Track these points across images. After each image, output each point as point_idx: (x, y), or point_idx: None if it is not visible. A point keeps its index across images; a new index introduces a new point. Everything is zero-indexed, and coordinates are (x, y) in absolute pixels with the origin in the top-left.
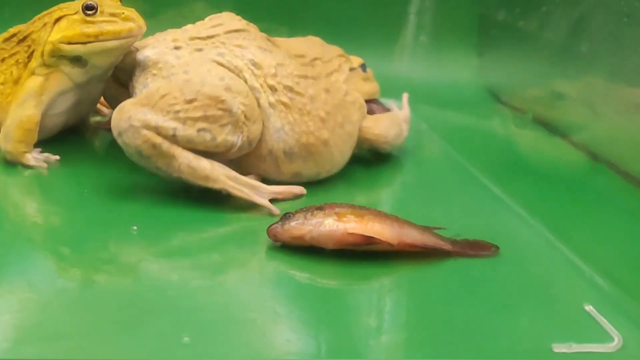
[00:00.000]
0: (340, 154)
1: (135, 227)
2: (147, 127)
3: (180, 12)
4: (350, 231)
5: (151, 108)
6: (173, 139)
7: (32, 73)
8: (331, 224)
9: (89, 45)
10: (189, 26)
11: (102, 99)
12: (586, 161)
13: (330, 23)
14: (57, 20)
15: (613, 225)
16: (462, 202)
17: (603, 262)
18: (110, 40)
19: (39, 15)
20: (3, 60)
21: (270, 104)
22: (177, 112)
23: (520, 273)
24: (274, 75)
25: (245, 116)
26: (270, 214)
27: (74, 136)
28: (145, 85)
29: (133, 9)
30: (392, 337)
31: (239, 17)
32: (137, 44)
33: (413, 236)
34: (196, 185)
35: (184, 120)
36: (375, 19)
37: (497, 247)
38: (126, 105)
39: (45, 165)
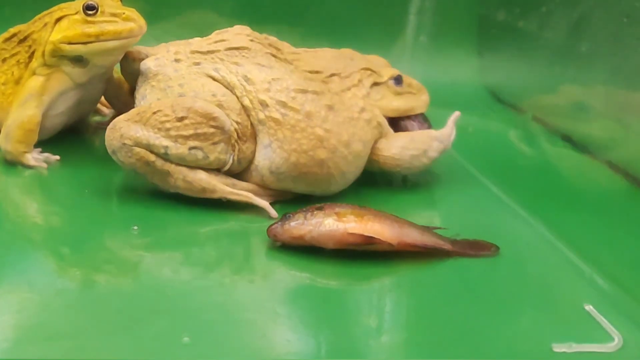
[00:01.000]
0: (342, 175)
1: (135, 227)
2: (139, 144)
3: (180, 13)
4: (350, 231)
5: (143, 125)
6: (165, 157)
7: (33, 73)
8: (331, 224)
9: (89, 45)
10: (195, 39)
11: (102, 98)
12: (586, 161)
13: (331, 23)
14: (58, 20)
15: (613, 225)
16: (462, 202)
17: (603, 262)
18: (111, 40)
19: (39, 15)
20: (4, 60)
21: (260, 121)
22: (168, 129)
23: (520, 273)
24: (267, 90)
25: (237, 135)
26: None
27: (74, 136)
28: (144, 97)
29: (134, 9)
30: (392, 337)
31: (247, 32)
32: (145, 51)
33: (413, 236)
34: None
35: (175, 138)
36: (375, 19)
37: (497, 247)
38: (118, 122)
39: (45, 165)
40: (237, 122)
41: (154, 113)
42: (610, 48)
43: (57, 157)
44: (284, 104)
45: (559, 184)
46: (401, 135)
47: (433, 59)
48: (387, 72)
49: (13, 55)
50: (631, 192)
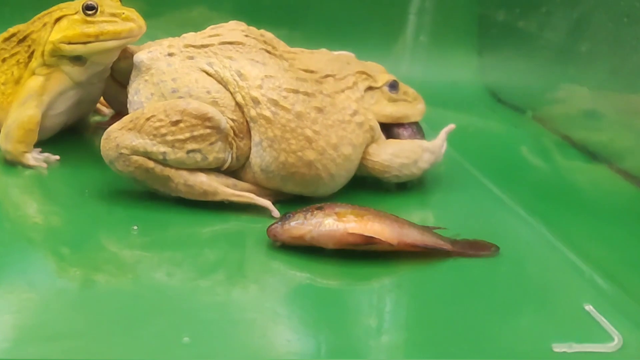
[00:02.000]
0: (331, 178)
1: (135, 227)
2: (137, 153)
3: (180, 12)
4: (350, 231)
5: (137, 132)
6: (164, 162)
7: (33, 73)
8: (331, 224)
9: (89, 45)
10: (190, 34)
11: (102, 98)
12: (587, 161)
13: (331, 23)
14: (58, 20)
15: (613, 225)
16: (462, 202)
17: (603, 262)
18: (110, 40)
19: (39, 15)
20: (4, 60)
21: (252, 118)
22: (164, 135)
23: (520, 273)
24: (259, 87)
25: (234, 132)
26: (271, 215)
27: (74, 136)
28: (137, 91)
29: (133, 9)
30: (392, 337)
31: (243, 27)
32: (135, 47)
33: (413, 236)
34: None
35: (171, 143)
36: (375, 19)
37: (497, 247)
38: (112, 132)
39: (45, 165)
40: (233, 120)
41: (148, 119)
42: (610, 48)
43: (57, 157)
44: (275, 102)
45: (559, 184)
46: (393, 142)
47: (433, 59)
48: (383, 77)
49: (13, 55)
50: (631, 192)
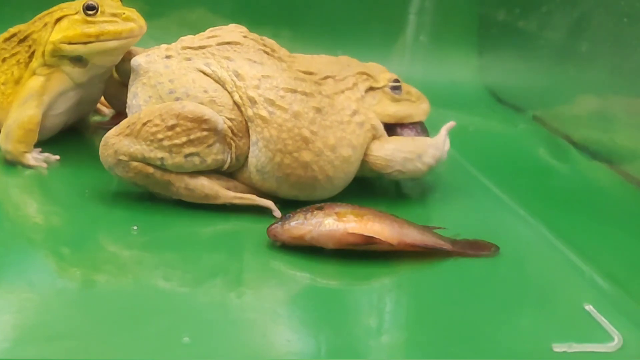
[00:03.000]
0: (328, 180)
1: (135, 227)
2: (135, 159)
3: (180, 13)
4: (350, 231)
5: (135, 138)
6: (162, 167)
7: (33, 73)
8: (331, 224)
9: (89, 45)
10: (188, 36)
11: (102, 98)
12: (587, 160)
13: (331, 23)
14: (58, 20)
15: (613, 225)
16: (462, 202)
17: (603, 262)
18: (111, 40)
19: (39, 15)
20: (4, 60)
21: (249, 117)
22: (161, 140)
23: (520, 273)
24: (256, 87)
25: (232, 131)
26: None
27: (74, 136)
28: (135, 95)
29: (134, 9)
30: (392, 337)
31: (241, 30)
32: (140, 49)
33: (413, 236)
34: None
35: (169, 148)
36: (375, 19)
37: (497, 247)
38: (109, 138)
39: (45, 165)
40: (231, 119)
41: (144, 124)
42: (610, 48)
43: (57, 157)
44: (272, 102)
45: (559, 184)
46: (395, 137)
47: (433, 59)
48: (384, 77)
49: (13, 55)
50: (631, 192)
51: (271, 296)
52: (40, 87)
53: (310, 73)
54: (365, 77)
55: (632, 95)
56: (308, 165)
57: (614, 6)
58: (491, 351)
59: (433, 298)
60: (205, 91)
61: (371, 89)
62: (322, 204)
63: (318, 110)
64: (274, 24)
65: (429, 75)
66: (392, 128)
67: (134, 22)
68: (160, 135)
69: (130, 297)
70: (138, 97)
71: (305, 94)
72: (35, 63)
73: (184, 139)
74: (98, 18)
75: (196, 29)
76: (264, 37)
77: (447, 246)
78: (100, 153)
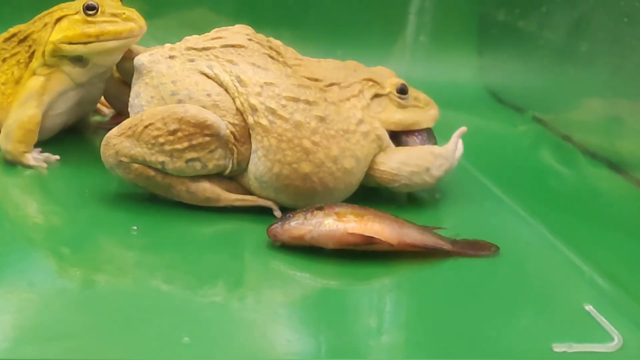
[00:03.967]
0: (327, 191)
1: (135, 227)
2: (136, 161)
3: (181, 13)
4: (350, 231)
5: (136, 140)
6: (163, 171)
7: (34, 73)
8: (331, 224)
9: (89, 45)
10: (193, 37)
11: (102, 98)
12: (587, 160)
13: (331, 23)
14: (58, 20)
15: (613, 225)
16: (462, 202)
17: (603, 262)
18: (111, 40)
19: (39, 15)
20: (4, 60)
21: (250, 125)
22: (162, 144)
23: (520, 273)
24: (258, 94)
25: (235, 137)
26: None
27: (74, 136)
28: (138, 95)
29: (134, 9)
30: (392, 337)
31: (247, 31)
32: (141, 48)
33: (413, 236)
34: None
35: (170, 153)
36: (375, 19)
37: (497, 247)
38: (111, 138)
39: (45, 165)
40: (234, 124)
41: (146, 127)
42: (610, 48)
43: (57, 157)
44: (273, 111)
45: (559, 184)
46: (402, 149)
47: (433, 59)
48: (391, 83)
49: (13, 55)
50: (631, 192)
51: (271, 296)
52: (41, 87)
53: (315, 79)
54: (371, 83)
55: (632, 96)
56: (307, 177)
57: (614, 6)
58: (491, 351)
59: (433, 298)
60: (209, 95)
61: (377, 95)
62: (322, 204)
63: (322, 119)
64: (274, 24)
65: (429, 75)
66: (398, 135)
67: (134, 22)
68: (161, 140)
69: (130, 298)
70: (140, 97)
71: (308, 102)
72: (35, 63)
73: (185, 144)
74: (98, 18)
75: (196, 29)
76: (270, 39)
77: (447, 246)
78: (101, 153)
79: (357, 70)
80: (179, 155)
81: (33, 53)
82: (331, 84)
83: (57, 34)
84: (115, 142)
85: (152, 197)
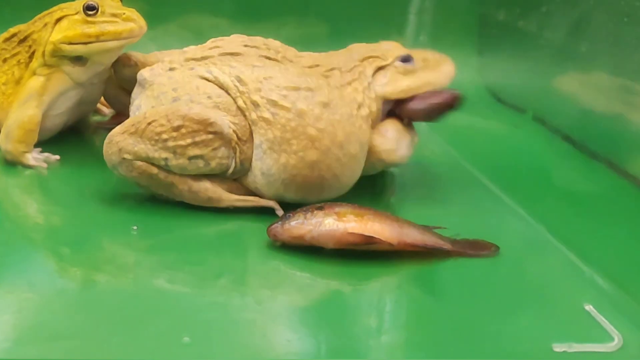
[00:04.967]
0: (336, 179)
1: (135, 227)
2: (139, 158)
3: (180, 12)
4: (350, 231)
5: (139, 137)
6: (166, 168)
7: (34, 73)
8: (331, 224)
9: (90, 45)
10: (190, 47)
11: (102, 99)
12: (586, 160)
13: (331, 23)
14: (58, 20)
15: (613, 225)
16: (462, 202)
17: (603, 262)
18: (111, 40)
19: (39, 15)
20: (4, 60)
21: (252, 121)
22: (166, 140)
23: (520, 273)
24: (258, 90)
25: (237, 136)
26: (275, 214)
27: (74, 136)
28: (139, 107)
29: (134, 9)
30: (392, 337)
31: (242, 39)
32: (136, 57)
33: (413, 236)
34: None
35: (173, 149)
36: (375, 19)
37: (497, 247)
38: (114, 136)
39: (45, 165)
40: (235, 123)
41: (149, 124)
42: (610, 48)
43: (57, 157)
44: (274, 103)
45: (559, 184)
46: (386, 125)
47: None
48: (393, 53)
49: (13, 55)
50: (631, 192)
51: (271, 296)
52: (41, 87)
53: (316, 66)
54: (371, 59)
55: (632, 96)
56: (314, 165)
57: (614, 6)
58: (491, 351)
59: (433, 298)
60: (209, 97)
61: (380, 68)
62: (322, 204)
63: (325, 104)
64: (273, 24)
65: None
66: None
67: (134, 22)
68: (165, 136)
69: (130, 298)
70: (141, 109)
71: (310, 89)
72: (35, 63)
73: (189, 140)
74: (98, 18)
75: (197, 29)
76: (268, 41)
77: (447, 246)
78: (104, 151)
79: (359, 51)
80: (182, 152)
81: (33, 53)
82: (332, 69)
83: (57, 34)
84: (119, 139)
85: (152, 197)
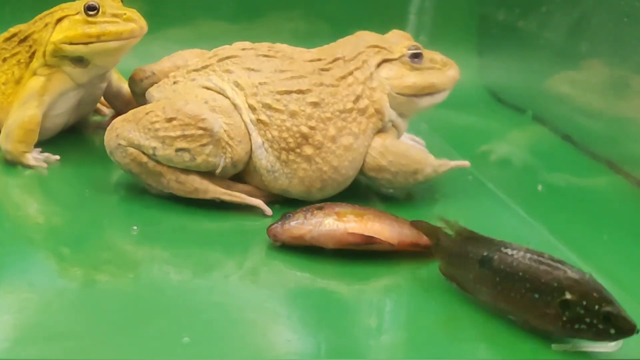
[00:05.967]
0: (334, 170)
1: (135, 227)
2: (132, 145)
3: (181, 13)
4: (350, 231)
5: (135, 124)
6: (154, 157)
7: (34, 73)
8: (331, 224)
9: (90, 45)
10: (193, 60)
11: (102, 98)
12: (587, 160)
13: (331, 23)
14: (59, 20)
15: (613, 225)
16: (462, 202)
17: (603, 261)
18: (112, 40)
19: (40, 15)
20: (5, 60)
21: (252, 121)
22: (157, 130)
23: None
24: (254, 95)
25: (228, 135)
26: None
27: (74, 136)
28: None
29: (134, 10)
30: (392, 337)
31: (243, 46)
32: (150, 69)
33: (413, 236)
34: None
35: (162, 139)
36: (376, 19)
37: None
38: (116, 122)
39: (45, 165)
40: (228, 124)
41: (147, 113)
42: (610, 48)
43: (57, 157)
44: (269, 106)
45: (559, 184)
46: (401, 144)
47: None
48: (402, 46)
49: (14, 55)
50: (631, 192)
51: (271, 296)
52: (41, 87)
53: (318, 60)
54: (377, 50)
55: (632, 96)
56: (311, 159)
57: (614, 6)
58: (491, 351)
59: (433, 298)
60: (206, 102)
61: (385, 61)
62: (322, 203)
63: (316, 104)
64: (273, 25)
65: None
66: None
67: (135, 22)
68: (157, 125)
69: (130, 297)
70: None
71: (301, 92)
72: (36, 63)
73: (178, 132)
74: (99, 18)
75: (197, 29)
76: (275, 44)
77: None
78: (105, 136)
79: (365, 39)
80: (170, 143)
81: (34, 53)
82: (335, 60)
83: (58, 34)
84: (118, 125)
85: (152, 197)
